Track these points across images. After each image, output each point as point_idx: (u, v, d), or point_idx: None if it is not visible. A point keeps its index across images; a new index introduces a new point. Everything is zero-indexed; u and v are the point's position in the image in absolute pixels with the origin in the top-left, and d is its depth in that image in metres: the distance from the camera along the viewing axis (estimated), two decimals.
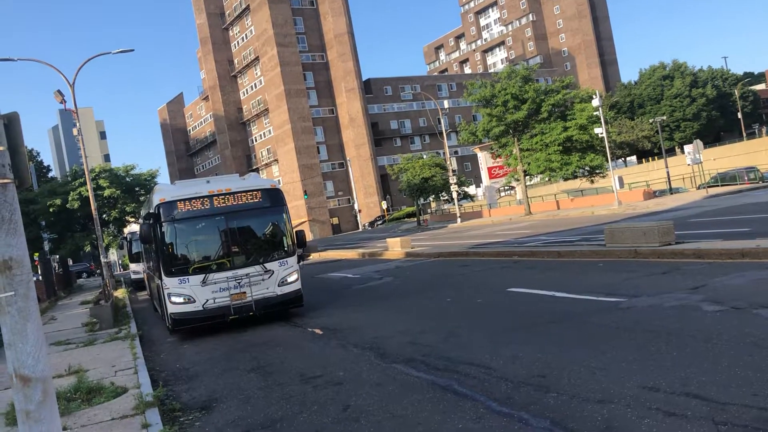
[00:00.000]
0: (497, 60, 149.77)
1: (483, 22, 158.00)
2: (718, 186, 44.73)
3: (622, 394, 5.96)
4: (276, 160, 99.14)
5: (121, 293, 27.58)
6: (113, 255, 77.47)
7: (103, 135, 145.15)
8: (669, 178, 50.26)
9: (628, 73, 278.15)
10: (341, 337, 11.26)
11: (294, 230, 14.56)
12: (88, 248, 44.32)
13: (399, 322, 12.07)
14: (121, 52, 28.90)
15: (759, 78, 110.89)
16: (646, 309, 9.55)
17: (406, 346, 9.56)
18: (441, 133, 61.77)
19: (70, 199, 35.78)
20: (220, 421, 7.27)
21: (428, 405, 6.60)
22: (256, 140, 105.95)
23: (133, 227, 35.75)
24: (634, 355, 7.20)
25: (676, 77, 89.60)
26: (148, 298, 25.02)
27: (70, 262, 52.87)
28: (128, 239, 33.20)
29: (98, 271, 72.70)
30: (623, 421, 5.31)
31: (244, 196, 13.87)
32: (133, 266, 34.75)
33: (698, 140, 42.05)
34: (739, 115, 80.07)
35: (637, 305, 9.86)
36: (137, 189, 40.09)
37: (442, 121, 61.97)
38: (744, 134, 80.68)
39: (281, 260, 13.96)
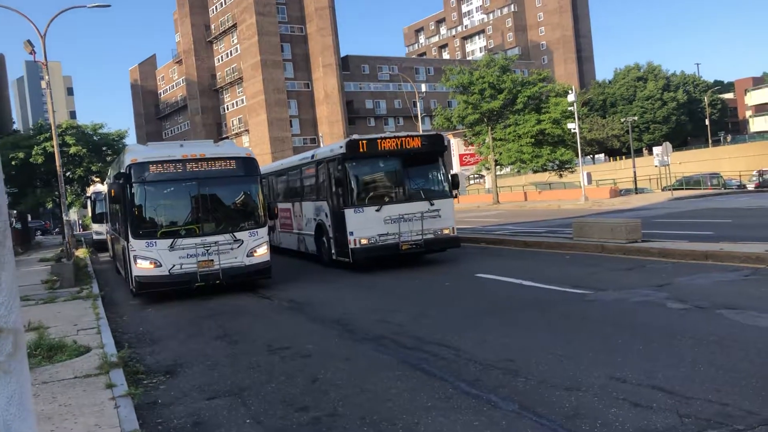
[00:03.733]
0: (476, 48, 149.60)
1: (465, 8, 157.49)
2: (682, 189, 45.68)
3: (589, 383, 6.06)
4: (247, 131, 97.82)
5: (82, 253, 27.06)
6: (74, 214, 75.80)
7: (70, 91, 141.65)
8: (635, 178, 51.15)
9: (603, 72, 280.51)
10: (310, 311, 11.23)
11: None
12: (50, 205, 43.29)
13: (368, 300, 12.11)
14: (97, 6, 28.07)
15: (728, 87, 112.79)
16: (611, 303, 9.72)
17: (376, 324, 9.58)
18: (416, 117, 61.63)
19: (33, 153, 34.79)
20: (185, 385, 7.20)
21: (397, 382, 6.63)
22: (228, 108, 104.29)
23: (98, 187, 34.97)
24: (600, 346, 7.33)
25: (650, 79, 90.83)
26: (109, 259, 24.61)
27: (29, 219, 51.60)
28: (92, 199, 32.37)
29: (56, 230, 71.15)
30: (590, 410, 5.40)
31: (218, 162, 13.66)
32: (95, 227, 34.03)
33: (667, 143, 42.74)
34: (707, 122, 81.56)
35: (603, 299, 10.04)
36: (104, 149, 39.18)
37: (417, 104, 61.82)
38: (710, 141, 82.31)
39: (252, 230, 13.82)
